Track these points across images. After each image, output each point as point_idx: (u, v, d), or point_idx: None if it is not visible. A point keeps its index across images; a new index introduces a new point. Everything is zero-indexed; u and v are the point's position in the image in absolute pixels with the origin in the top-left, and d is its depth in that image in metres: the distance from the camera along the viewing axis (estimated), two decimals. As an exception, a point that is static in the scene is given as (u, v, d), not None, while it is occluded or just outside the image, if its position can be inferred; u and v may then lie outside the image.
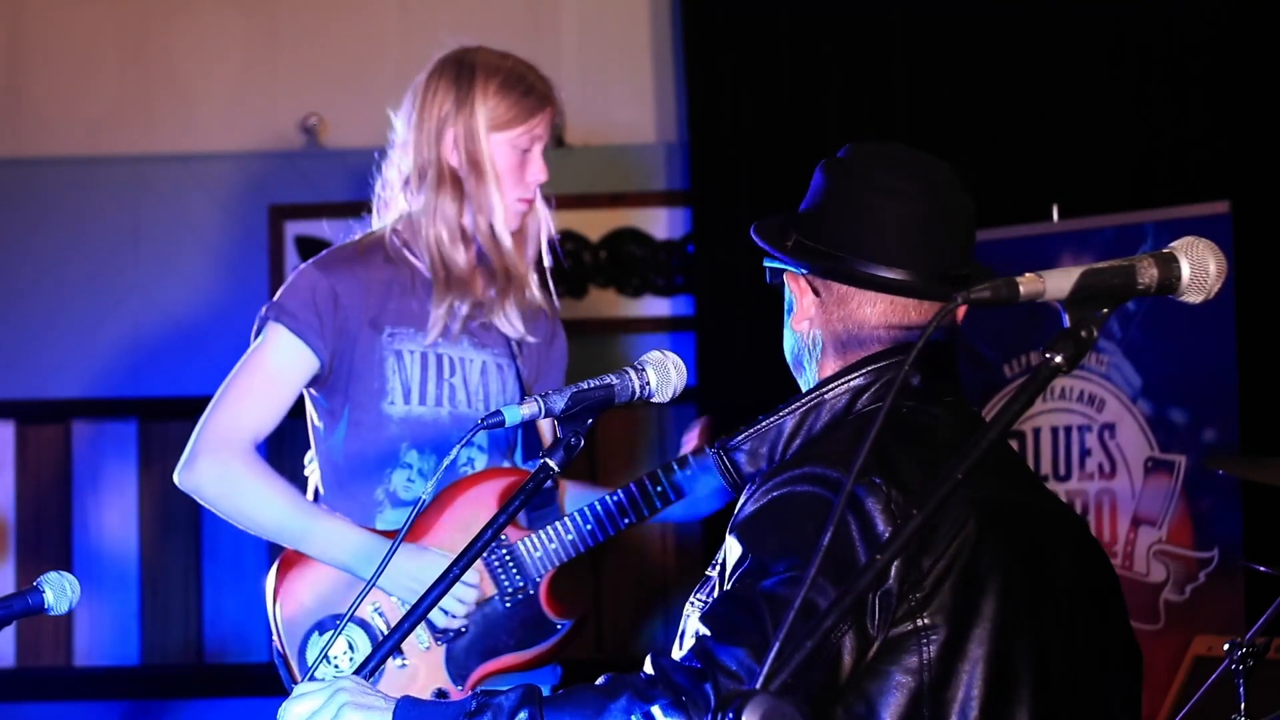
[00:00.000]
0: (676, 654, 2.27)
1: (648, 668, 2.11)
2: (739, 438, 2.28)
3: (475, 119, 3.28)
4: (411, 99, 3.34)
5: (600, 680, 2.09)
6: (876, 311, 2.29)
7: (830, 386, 2.26)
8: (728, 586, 2.13)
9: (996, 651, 2.12)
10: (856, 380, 2.26)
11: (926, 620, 2.10)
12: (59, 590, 2.39)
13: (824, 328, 2.32)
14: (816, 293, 2.32)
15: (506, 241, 3.32)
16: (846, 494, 1.77)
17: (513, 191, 3.32)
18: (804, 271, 2.33)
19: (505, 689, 2.10)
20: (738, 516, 2.19)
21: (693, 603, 2.29)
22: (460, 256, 3.30)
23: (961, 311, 2.34)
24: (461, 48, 3.36)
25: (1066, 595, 2.23)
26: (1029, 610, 2.17)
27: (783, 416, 2.27)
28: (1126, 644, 2.32)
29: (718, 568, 2.24)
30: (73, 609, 2.40)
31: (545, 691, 2.10)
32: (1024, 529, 2.22)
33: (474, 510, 3.29)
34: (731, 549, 2.16)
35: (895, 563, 2.06)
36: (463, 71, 3.31)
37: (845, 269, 2.28)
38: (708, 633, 2.07)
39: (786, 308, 2.38)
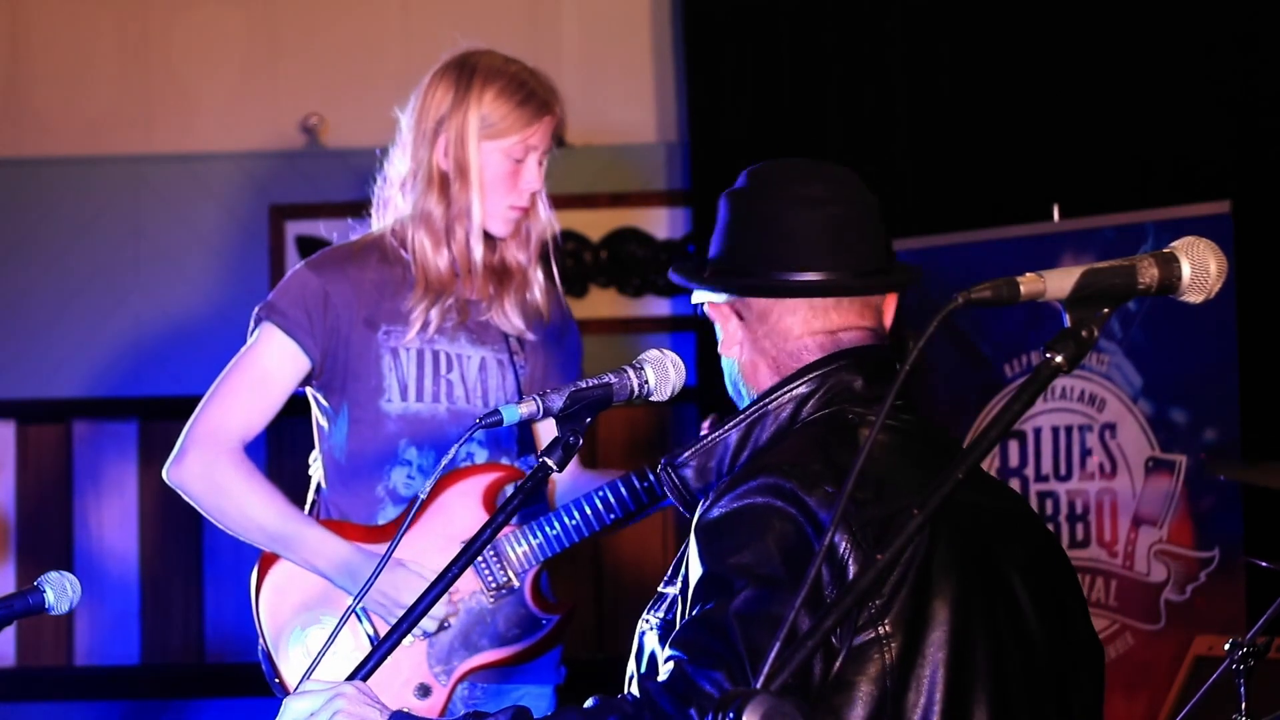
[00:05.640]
0: (632, 668, 2.28)
1: (634, 690, 2.11)
2: (685, 454, 2.27)
3: (468, 124, 3.26)
4: (414, 99, 3.33)
5: (589, 703, 2.10)
6: (798, 320, 2.29)
7: (773, 397, 2.25)
8: (695, 610, 2.12)
9: (954, 655, 2.12)
10: (799, 389, 2.24)
11: (887, 627, 2.09)
12: (60, 590, 2.39)
13: (753, 347, 2.32)
14: (740, 316, 2.32)
15: (477, 251, 3.30)
16: (841, 510, 1.77)
17: (504, 199, 3.29)
18: (722, 298, 2.33)
19: (496, 710, 2.11)
20: (698, 526, 2.18)
21: (646, 620, 2.29)
22: (443, 261, 3.28)
23: (890, 308, 2.34)
24: (469, 50, 3.34)
25: (1022, 595, 2.22)
26: (984, 612, 2.16)
27: (727, 431, 2.26)
28: (1087, 643, 2.31)
29: (678, 584, 2.24)
30: (73, 609, 2.40)
31: (536, 713, 2.11)
32: (977, 530, 2.21)
33: (461, 503, 3.29)
34: (693, 566, 2.16)
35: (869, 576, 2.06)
36: (463, 74, 3.29)
37: (757, 282, 2.28)
38: (684, 657, 2.07)
39: (717, 339, 2.37)
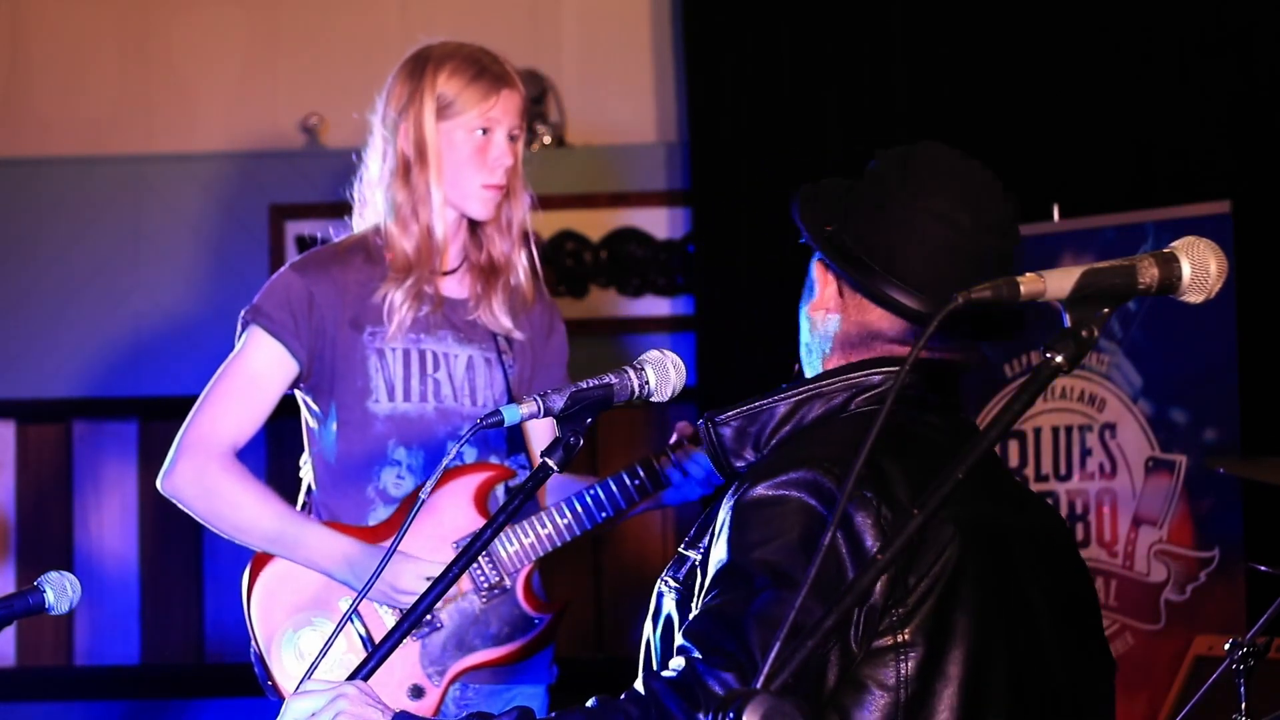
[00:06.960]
0: (648, 630, 2.27)
1: (639, 687, 2.10)
2: (729, 413, 2.26)
3: (424, 107, 3.28)
4: (379, 100, 3.36)
5: (590, 703, 2.09)
6: (892, 327, 2.28)
7: (830, 381, 2.24)
8: (713, 597, 2.11)
9: (972, 673, 2.11)
10: (858, 379, 2.23)
11: (906, 637, 2.09)
12: (59, 590, 2.39)
13: (841, 320, 2.30)
14: (842, 292, 2.31)
15: (439, 229, 3.30)
16: (839, 513, 1.76)
17: (475, 177, 3.29)
18: (834, 270, 2.31)
19: (499, 712, 2.11)
20: (736, 503, 2.16)
21: (665, 581, 2.28)
22: (408, 244, 3.29)
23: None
24: (425, 44, 3.36)
25: (1045, 617, 2.21)
26: (1006, 632, 2.16)
27: (776, 401, 2.24)
28: (1100, 661, 2.31)
29: (700, 552, 2.23)
30: (73, 608, 2.40)
31: (539, 713, 2.10)
32: (1006, 551, 2.20)
33: (451, 502, 3.29)
34: (720, 544, 2.15)
35: (881, 577, 2.04)
36: (418, 64, 3.32)
37: (871, 287, 2.26)
38: (697, 655, 2.05)
39: (807, 288, 2.36)
